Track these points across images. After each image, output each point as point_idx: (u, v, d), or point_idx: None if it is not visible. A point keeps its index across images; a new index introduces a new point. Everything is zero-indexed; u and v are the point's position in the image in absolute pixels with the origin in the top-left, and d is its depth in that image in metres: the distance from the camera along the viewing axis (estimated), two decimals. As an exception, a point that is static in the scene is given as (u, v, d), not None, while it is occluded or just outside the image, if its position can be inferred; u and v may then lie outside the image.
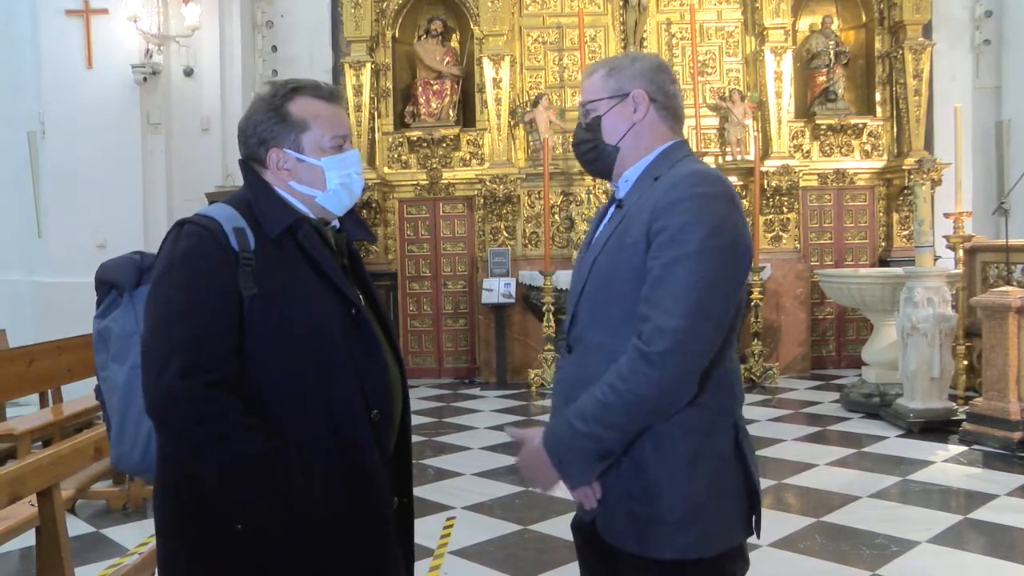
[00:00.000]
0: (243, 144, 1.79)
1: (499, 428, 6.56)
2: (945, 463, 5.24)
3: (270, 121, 1.74)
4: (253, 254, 1.63)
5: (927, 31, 8.88)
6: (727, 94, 8.80)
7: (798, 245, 8.93)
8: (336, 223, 1.84)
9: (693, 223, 1.60)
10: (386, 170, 9.06)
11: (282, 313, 1.62)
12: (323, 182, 1.76)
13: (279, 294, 1.63)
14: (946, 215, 6.99)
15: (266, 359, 1.61)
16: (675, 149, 1.81)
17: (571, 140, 1.92)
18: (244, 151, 1.79)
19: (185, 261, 1.61)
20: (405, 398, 1.86)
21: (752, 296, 8.03)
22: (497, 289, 8.35)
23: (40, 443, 5.23)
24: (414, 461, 6.14)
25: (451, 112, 8.97)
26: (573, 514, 1.88)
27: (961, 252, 6.86)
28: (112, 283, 1.85)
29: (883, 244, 9.13)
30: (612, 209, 1.83)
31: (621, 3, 8.82)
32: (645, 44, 8.79)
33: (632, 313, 1.65)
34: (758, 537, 1.78)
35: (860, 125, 9.00)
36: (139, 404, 1.68)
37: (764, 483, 4.88)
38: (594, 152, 1.84)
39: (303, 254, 1.69)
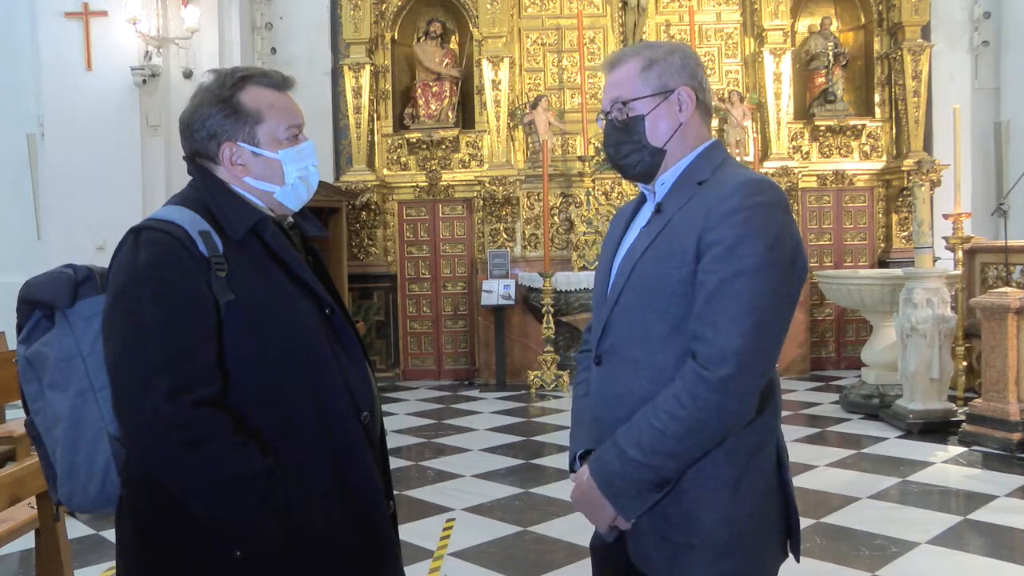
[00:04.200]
0: (188, 139, 1.66)
1: (499, 430, 6.56)
2: (944, 464, 5.24)
3: (220, 114, 1.61)
4: (223, 258, 1.52)
5: (926, 32, 8.89)
6: (726, 95, 8.80)
7: (797, 246, 8.92)
8: (290, 219, 1.73)
9: (752, 235, 1.50)
10: (385, 172, 9.06)
11: (262, 318, 1.53)
12: (281, 176, 1.65)
13: (256, 299, 1.53)
14: (945, 216, 6.99)
15: (249, 369, 1.51)
16: (714, 149, 1.69)
17: (603, 139, 1.75)
18: (189, 147, 1.66)
19: (152, 271, 1.48)
20: (378, 398, 1.77)
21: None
22: (496, 291, 8.35)
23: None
24: (414, 463, 6.12)
25: (450, 114, 8.98)
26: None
27: (960, 253, 6.87)
28: (42, 302, 1.62)
29: (882, 245, 9.13)
30: (649, 213, 1.69)
31: (620, 4, 8.82)
32: (644, 46, 8.79)
33: (676, 329, 1.56)
34: (797, 560, 1.70)
35: (859, 126, 9.00)
36: (89, 434, 1.56)
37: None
38: (635, 156, 1.68)
39: (270, 255, 1.59)
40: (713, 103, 8.37)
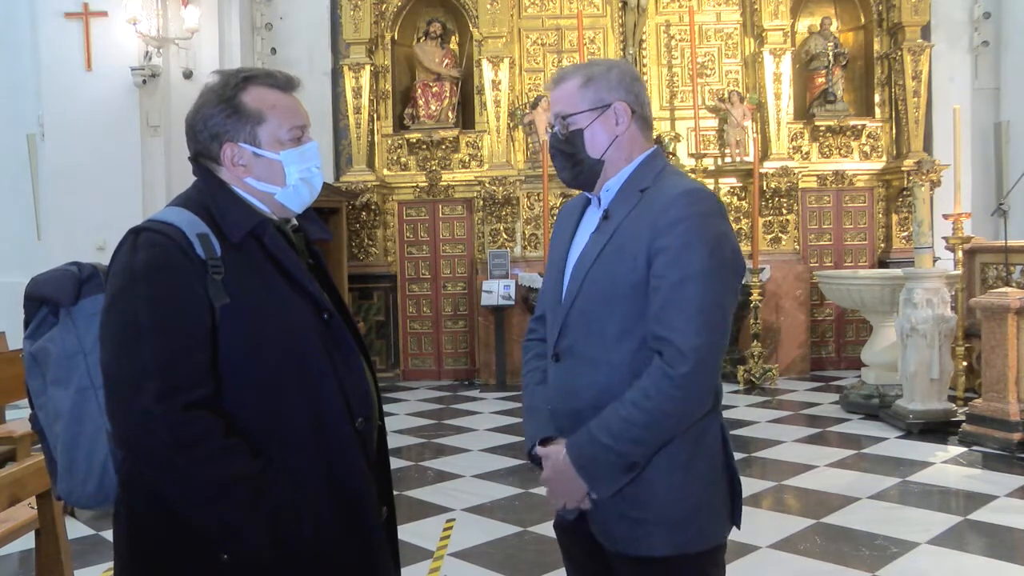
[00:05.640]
0: (192, 140, 1.65)
1: (499, 430, 6.56)
2: (944, 464, 5.24)
3: (222, 114, 1.61)
4: (220, 261, 1.52)
5: (926, 32, 8.88)
6: (726, 96, 8.80)
7: (797, 247, 8.94)
8: (294, 222, 1.73)
9: (694, 243, 1.65)
10: (385, 172, 9.06)
11: (257, 322, 1.52)
12: (282, 177, 1.65)
13: (252, 303, 1.53)
14: (945, 216, 6.99)
15: (242, 372, 1.52)
16: (654, 158, 1.83)
17: (548, 151, 1.90)
18: (194, 147, 1.66)
19: (148, 273, 1.48)
20: (379, 402, 1.77)
21: (752, 298, 8.03)
22: (496, 291, 8.35)
23: (39, 446, 5.22)
24: (414, 463, 6.13)
25: (450, 114, 8.98)
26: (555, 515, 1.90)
27: (960, 253, 6.87)
28: (46, 299, 1.66)
29: (882, 245, 9.13)
30: (597, 218, 1.81)
31: (620, 5, 8.82)
32: (644, 46, 8.80)
33: (628, 329, 1.70)
34: (738, 528, 1.84)
35: (859, 126, 9.00)
36: (89, 431, 1.58)
37: (764, 484, 4.88)
38: (578, 167, 1.82)
39: (269, 258, 1.59)
40: (712, 104, 8.32)
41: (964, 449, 5.53)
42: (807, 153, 9.06)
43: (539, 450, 1.84)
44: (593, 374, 1.74)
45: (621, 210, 1.76)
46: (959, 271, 6.78)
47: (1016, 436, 5.33)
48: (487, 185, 8.64)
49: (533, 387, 1.93)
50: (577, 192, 1.97)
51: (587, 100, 1.78)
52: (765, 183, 8.58)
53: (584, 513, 1.77)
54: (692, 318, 1.62)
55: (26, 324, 1.69)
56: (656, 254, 1.66)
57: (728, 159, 8.76)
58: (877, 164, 9.07)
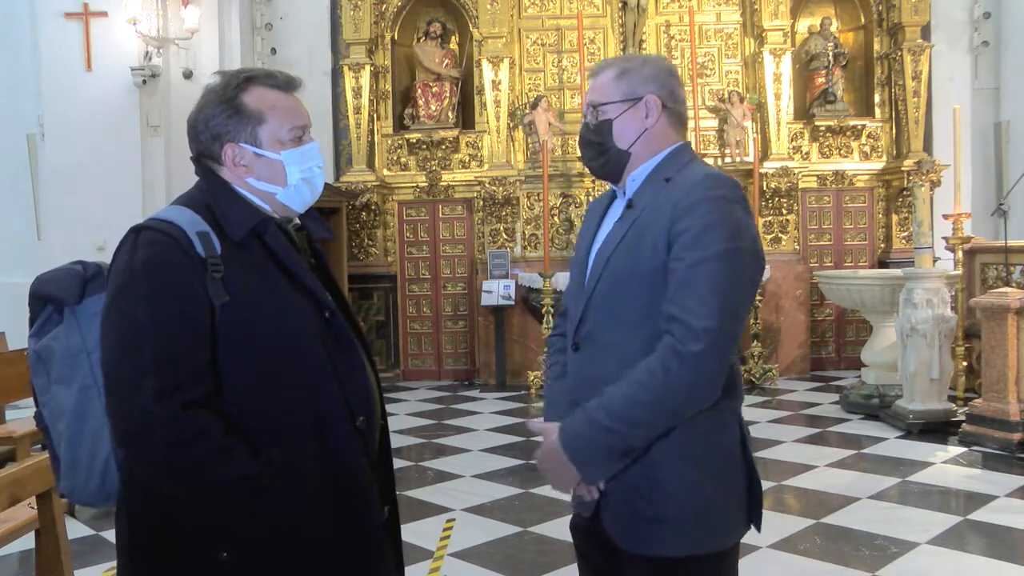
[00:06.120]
0: (194, 140, 1.66)
1: (499, 430, 6.56)
2: (944, 464, 5.24)
3: (223, 114, 1.61)
4: (220, 259, 1.52)
5: (926, 32, 8.89)
6: (726, 96, 8.80)
7: (797, 247, 8.94)
8: (297, 221, 1.73)
9: (714, 225, 1.62)
10: (385, 172, 9.06)
11: (257, 321, 1.52)
12: (283, 177, 1.65)
13: (252, 301, 1.53)
14: (945, 216, 6.99)
15: (242, 371, 1.52)
16: (682, 151, 1.82)
17: (577, 139, 1.91)
18: (196, 147, 1.66)
19: (147, 271, 1.49)
20: (382, 401, 1.77)
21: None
22: (496, 291, 8.35)
23: (39, 446, 5.23)
24: (414, 463, 6.12)
25: (450, 114, 8.98)
26: (573, 515, 1.89)
27: (960, 253, 6.87)
28: (51, 297, 1.68)
29: (882, 245, 9.13)
30: (621, 208, 1.81)
31: (620, 5, 8.82)
32: (644, 46, 8.79)
33: (647, 314, 1.67)
34: (759, 531, 1.80)
35: (859, 127, 9.00)
36: (92, 429, 1.59)
37: (764, 484, 4.85)
38: (604, 156, 1.82)
39: (270, 257, 1.59)
40: (712, 104, 8.27)
41: (964, 449, 5.53)
42: (807, 153, 9.06)
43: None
44: (612, 361, 1.70)
45: (645, 198, 1.75)
46: (959, 271, 6.79)
47: (1016, 436, 5.33)
48: (487, 185, 8.63)
49: (555, 380, 1.92)
50: (591, 189, 1.96)
51: (620, 91, 1.80)
52: (765, 183, 8.59)
53: (598, 512, 1.75)
54: (706, 299, 1.58)
55: (31, 322, 1.71)
56: (676, 237, 1.64)
57: (728, 159, 8.77)
58: (877, 164, 9.07)
